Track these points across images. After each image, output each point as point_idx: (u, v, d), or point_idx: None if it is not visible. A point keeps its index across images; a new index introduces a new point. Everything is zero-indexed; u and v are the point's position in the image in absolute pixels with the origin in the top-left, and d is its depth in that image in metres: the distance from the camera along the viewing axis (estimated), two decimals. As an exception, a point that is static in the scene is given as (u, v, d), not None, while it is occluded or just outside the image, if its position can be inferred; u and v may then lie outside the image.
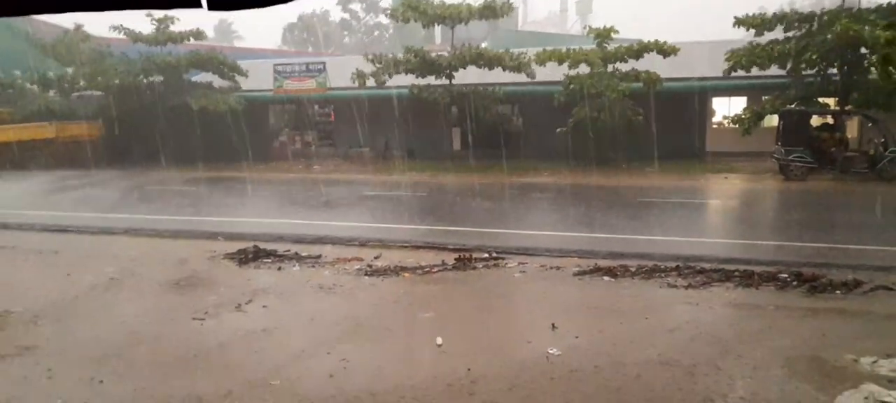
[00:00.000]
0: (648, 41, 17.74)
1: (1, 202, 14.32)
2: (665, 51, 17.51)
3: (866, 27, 14.25)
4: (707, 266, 6.71)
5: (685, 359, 4.26)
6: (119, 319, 5.48)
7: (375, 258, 7.55)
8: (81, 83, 22.86)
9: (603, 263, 6.92)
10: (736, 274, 6.36)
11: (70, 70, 22.74)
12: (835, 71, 16.58)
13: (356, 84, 19.50)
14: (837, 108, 16.63)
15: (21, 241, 9.12)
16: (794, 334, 4.72)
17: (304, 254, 7.75)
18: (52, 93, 23.14)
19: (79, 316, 5.63)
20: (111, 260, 7.61)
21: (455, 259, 7.26)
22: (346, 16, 60.86)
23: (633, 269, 6.65)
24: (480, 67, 19.31)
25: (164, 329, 5.22)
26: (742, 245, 8.54)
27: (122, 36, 21.63)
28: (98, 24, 22.76)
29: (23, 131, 20.95)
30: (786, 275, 6.23)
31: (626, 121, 17.71)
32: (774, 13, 16.59)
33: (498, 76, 19.96)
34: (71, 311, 5.76)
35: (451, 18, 19.11)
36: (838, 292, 5.78)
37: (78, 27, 22.41)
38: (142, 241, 9.12)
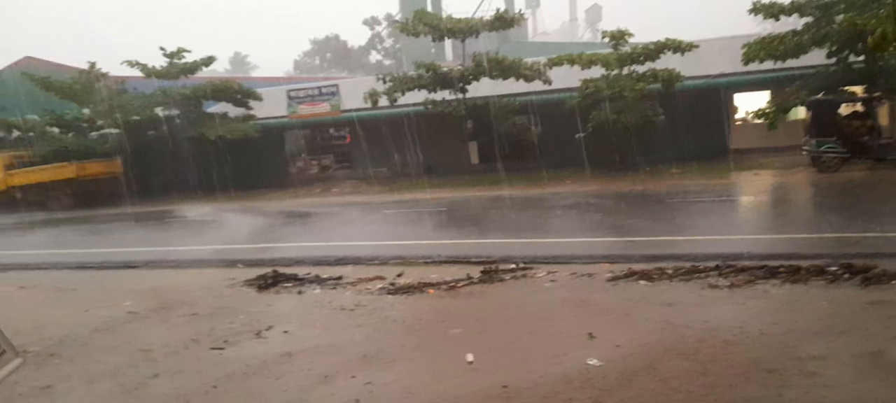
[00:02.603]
0: (666, 39, 17.34)
1: (22, 243, 14.36)
2: (682, 48, 17.08)
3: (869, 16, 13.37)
4: (749, 263, 6.32)
5: (740, 364, 3.90)
6: (135, 352, 5.26)
7: (398, 275, 7.26)
8: (99, 122, 23.00)
9: (637, 267, 6.56)
10: (781, 270, 5.96)
11: (86, 110, 22.86)
12: (858, 57, 15.99)
13: (369, 104, 19.37)
14: (866, 95, 16.04)
15: (41, 280, 9.00)
16: (858, 329, 4.33)
17: (324, 276, 7.50)
18: (71, 134, 23.19)
19: (95, 352, 5.41)
20: (129, 294, 7.43)
21: (481, 271, 6.96)
22: (371, 36, 61.51)
23: (670, 271, 6.28)
24: (495, 78, 19.05)
25: (181, 360, 4.99)
26: (783, 240, 8.11)
27: (136, 72, 21.80)
28: (111, 61, 22.96)
29: (43, 173, 21.16)
30: (835, 268, 5.83)
31: (646, 123, 17.30)
32: (792, 0, 16.00)
33: (511, 86, 19.71)
34: (88, 347, 5.55)
35: (463, 31, 18.96)
36: (895, 282, 5.37)
37: (92, 65, 22.41)
38: (160, 273, 8.97)
